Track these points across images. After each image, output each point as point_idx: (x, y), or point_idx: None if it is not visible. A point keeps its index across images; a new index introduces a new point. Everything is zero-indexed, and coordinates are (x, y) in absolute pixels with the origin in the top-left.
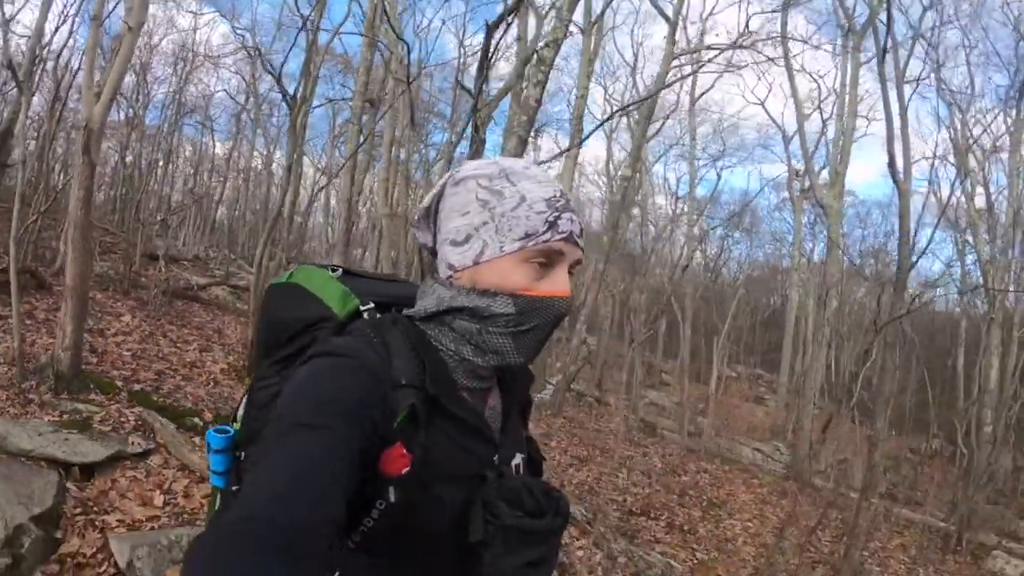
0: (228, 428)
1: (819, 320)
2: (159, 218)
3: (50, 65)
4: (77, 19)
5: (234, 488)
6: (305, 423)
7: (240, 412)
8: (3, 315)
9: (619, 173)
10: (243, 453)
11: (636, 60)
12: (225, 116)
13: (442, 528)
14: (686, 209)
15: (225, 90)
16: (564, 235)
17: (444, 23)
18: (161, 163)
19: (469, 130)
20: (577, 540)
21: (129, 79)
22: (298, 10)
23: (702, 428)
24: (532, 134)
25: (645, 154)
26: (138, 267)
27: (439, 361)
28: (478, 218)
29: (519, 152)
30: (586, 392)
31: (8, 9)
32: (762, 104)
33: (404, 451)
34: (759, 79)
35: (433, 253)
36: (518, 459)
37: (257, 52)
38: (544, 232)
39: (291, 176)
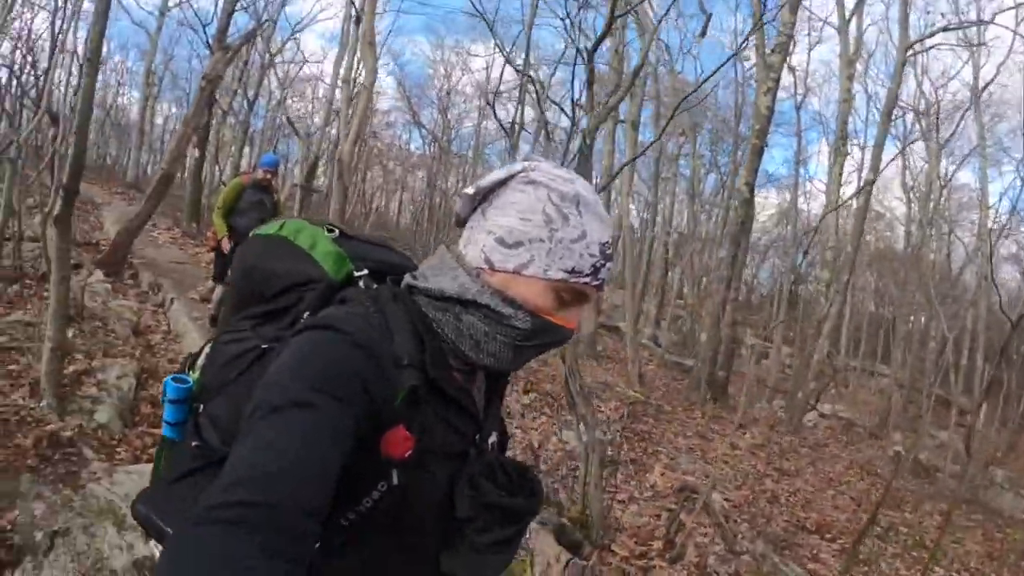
0: (187, 378)
1: None
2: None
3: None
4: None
5: (194, 444)
6: (296, 401)
7: (200, 361)
8: None
9: (919, 187)
10: (201, 406)
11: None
12: (522, 142)
13: (431, 507)
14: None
15: (515, 122)
16: (599, 283)
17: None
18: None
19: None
20: (704, 527)
21: (433, 115)
22: (575, 44)
23: (967, 468)
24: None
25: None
26: None
27: (437, 340)
28: (536, 232)
29: (754, 162)
30: (858, 421)
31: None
32: None
33: (407, 433)
34: None
35: (461, 223)
36: (494, 436)
37: (540, 85)
38: (588, 275)
39: None
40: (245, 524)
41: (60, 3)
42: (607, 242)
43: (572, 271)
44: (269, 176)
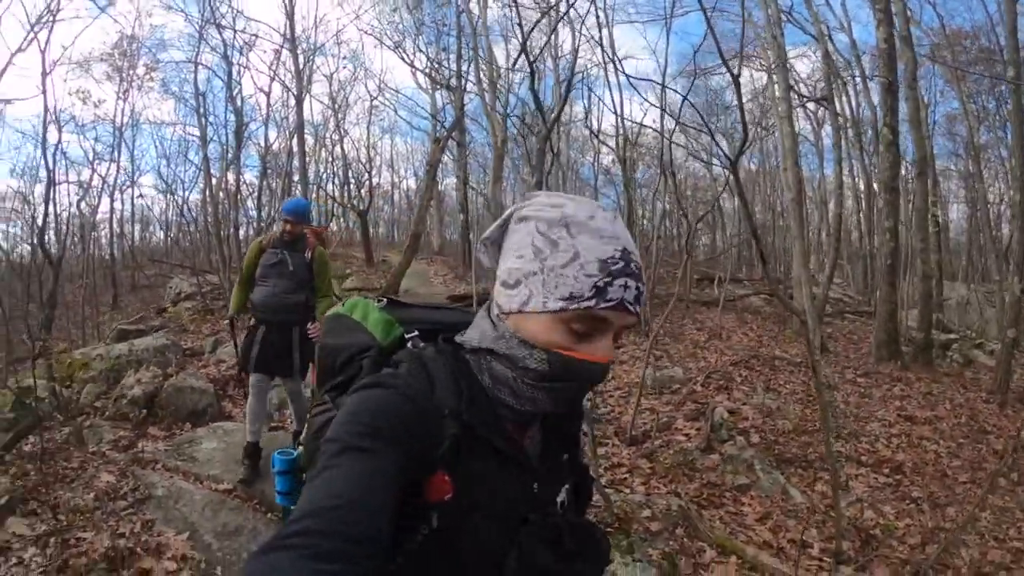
0: (292, 451)
1: None
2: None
3: None
4: None
5: None
6: (353, 446)
7: (303, 436)
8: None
9: None
10: (305, 475)
11: None
12: None
13: (479, 558)
14: None
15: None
16: (611, 303)
17: None
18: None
19: None
20: (692, 428)
21: None
22: None
23: None
24: None
25: None
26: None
27: (480, 390)
28: (529, 266)
29: None
30: None
31: None
32: None
33: (446, 478)
34: None
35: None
36: (563, 493)
37: None
38: (589, 298)
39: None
40: (304, 549)
41: None
42: (610, 257)
43: (570, 297)
44: (288, 227)
